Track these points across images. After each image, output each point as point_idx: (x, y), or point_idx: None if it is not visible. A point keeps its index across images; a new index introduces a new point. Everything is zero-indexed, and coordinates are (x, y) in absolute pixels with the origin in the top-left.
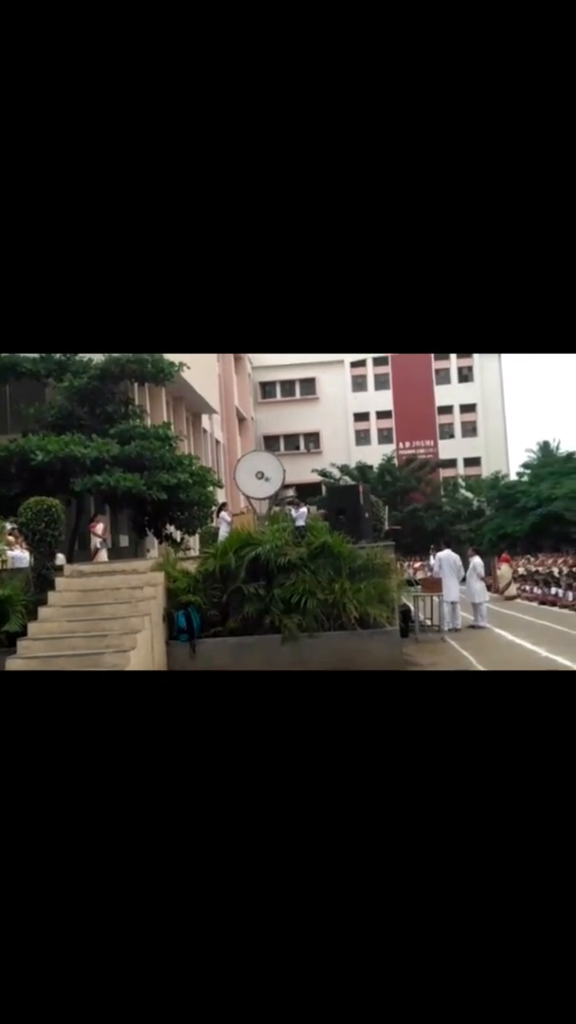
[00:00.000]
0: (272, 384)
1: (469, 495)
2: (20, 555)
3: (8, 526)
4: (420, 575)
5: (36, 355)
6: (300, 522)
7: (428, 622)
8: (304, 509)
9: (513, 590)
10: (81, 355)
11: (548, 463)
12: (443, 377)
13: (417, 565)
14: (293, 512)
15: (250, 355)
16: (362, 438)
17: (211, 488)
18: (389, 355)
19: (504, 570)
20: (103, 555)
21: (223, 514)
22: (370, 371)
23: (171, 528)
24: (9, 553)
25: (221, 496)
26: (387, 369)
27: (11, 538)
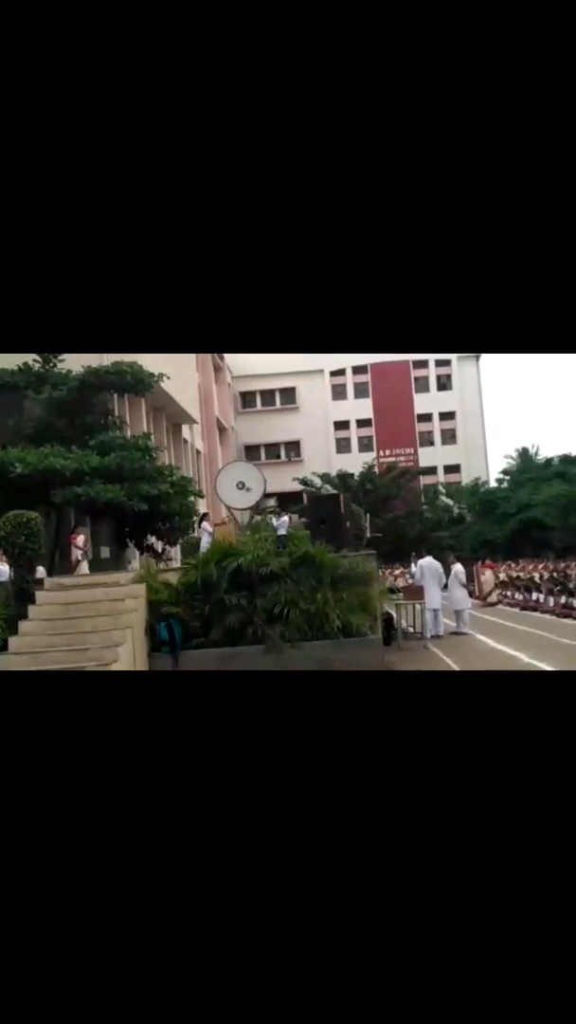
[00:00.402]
0: (252, 394)
1: (450, 502)
2: (0, 569)
3: None
4: (400, 582)
5: (14, 366)
6: (282, 531)
7: (411, 630)
8: (285, 518)
9: (494, 596)
10: (60, 367)
11: (527, 469)
12: (422, 385)
13: (397, 573)
14: (275, 521)
15: (230, 365)
16: (343, 446)
17: (192, 498)
18: (368, 364)
19: (488, 576)
20: (84, 567)
21: (205, 524)
22: (350, 380)
23: (152, 539)
24: None
25: (202, 506)
26: (366, 378)
27: None
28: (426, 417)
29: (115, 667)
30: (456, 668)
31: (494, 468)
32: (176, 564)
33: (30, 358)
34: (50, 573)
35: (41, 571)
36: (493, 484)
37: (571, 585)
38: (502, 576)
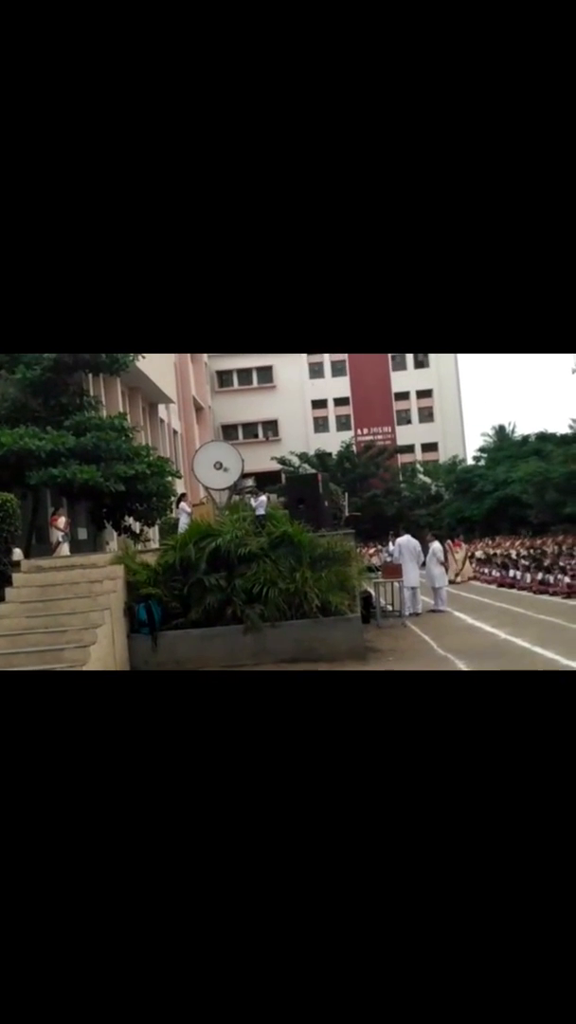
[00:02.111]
0: (229, 373)
1: (427, 480)
2: None
3: None
4: (376, 561)
5: None
6: (260, 511)
7: (389, 608)
8: (263, 498)
9: (469, 571)
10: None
11: (504, 447)
12: (399, 363)
13: (371, 552)
14: (253, 501)
15: None
16: (320, 425)
17: (169, 479)
18: None
19: (460, 555)
20: (64, 549)
21: (183, 505)
22: (327, 358)
23: (130, 520)
24: None
25: (180, 487)
26: (343, 357)
27: None
28: (403, 395)
29: (93, 648)
30: (434, 645)
31: (471, 446)
32: (154, 545)
33: None
34: (27, 555)
35: (18, 553)
36: (470, 462)
37: (547, 562)
38: (479, 553)
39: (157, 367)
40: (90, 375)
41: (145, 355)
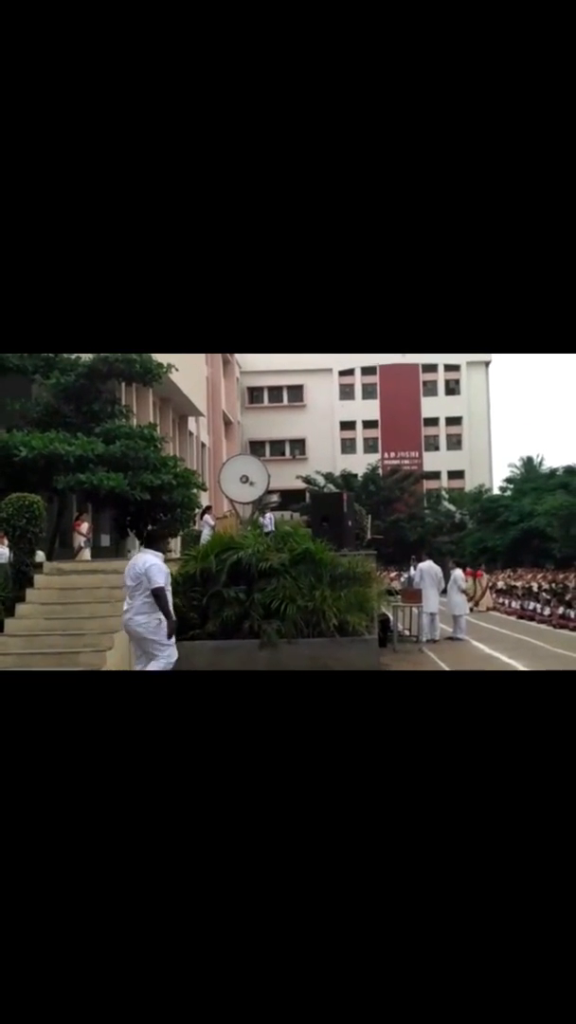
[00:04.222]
0: (260, 389)
1: (452, 507)
2: (0, 551)
3: None
4: (396, 584)
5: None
6: (269, 527)
7: (407, 632)
8: (270, 515)
9: (489, 601)
10: (69, 352)
11: (531, 479)
12: (430, 389)
13: (392, 575)
14: (261, 518)
15: (239, 360)
16: (348, 447)
17: (195, 490)
18: (378, 365)
19: (470, 584)
20: (86, 554)
21: (206, 517)
22: (358, 380)
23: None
24: None
25: (205, 499)
26: (375, 379)
27: None
28: (432, 421)
29: (109, 654)
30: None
31: (498, 476)
32: (175, 555)
33: None
34: (49, 558)
35: (41, 555)
36: (496, 492)
37: (568, 596)
38: (500, 584)
39: (190, 380)
40: (123, 384)
41: (178, 368)
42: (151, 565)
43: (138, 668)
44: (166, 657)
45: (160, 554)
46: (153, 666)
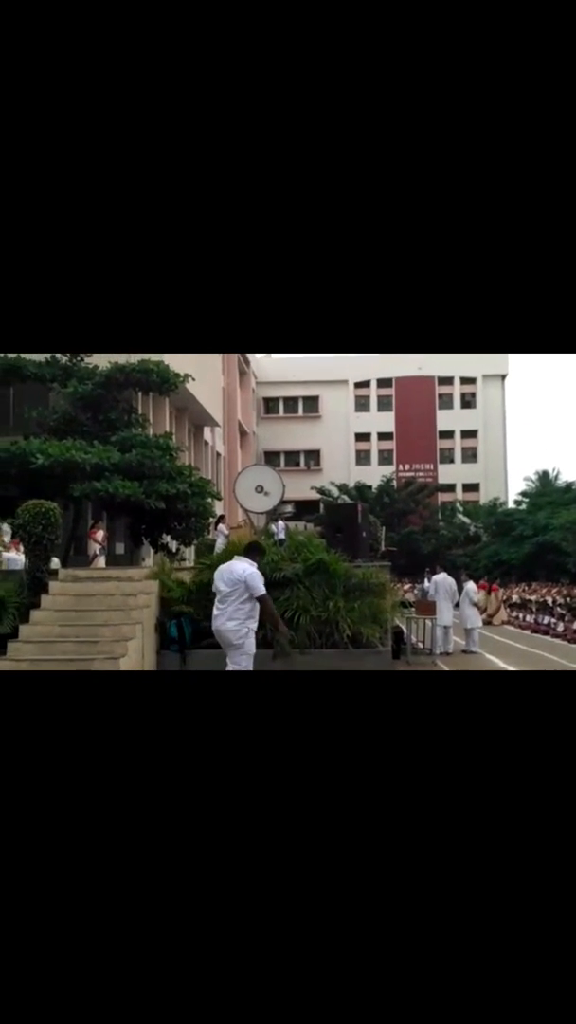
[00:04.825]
0: (275, 400)
1: (466, 520)
2: (15, 557)
3: (6, 527)
4: (410, 596)
5: (42, 358)
6: (280, 535)
7: (420, 644)
8: (282, 523)
9: (504, 615)
10: (87, 361)
11: (546, 492)
12: (446, 402)
13: (406, 587)
14: (273, 527)
15: (255, 370)
16: (362, 458)
17: (210, 500)
18: (393, 378)
19: (482, 596)
20: (101, 562)
21: (221, 527)
22: (373, 392)
23: (167, 538)
24: (4, 555)
25: (219, 508)
26: (390, 391)
27: (5, 539)
28: (448, 434)
29: (123, 662)
30: None
31: (513, 489)
32: (189, 564)
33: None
34: (64, 565)
35: (55, 562)
36: (511, 505)
37: None
38: (514, 598)
39: (206, 390)
40: (140, 393)
41: (195, 378)
42: (251, 573)
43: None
44: (242, 665)
45: (255, 563)
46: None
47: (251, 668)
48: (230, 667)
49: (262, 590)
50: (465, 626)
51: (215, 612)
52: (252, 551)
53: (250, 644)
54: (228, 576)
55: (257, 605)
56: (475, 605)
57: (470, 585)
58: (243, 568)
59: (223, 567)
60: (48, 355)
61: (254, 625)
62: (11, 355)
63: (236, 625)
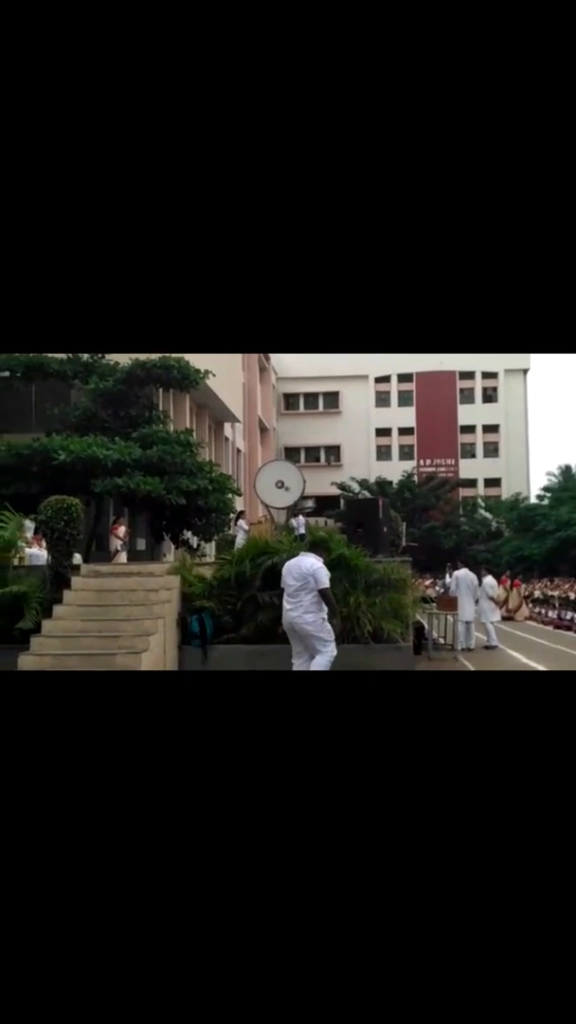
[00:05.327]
0: (296, 396)
1: (488, 516)
2: (38, 553)
3: (28, 523)
4: (431, 592)
5: (63, 356)
6: (301, 530)
7: (442, 640)
8: (302, 518)
9: (526, 611)
10: (108, 358)
11: (569, 487)
12: (467, 396)
13: (428, 583)
14: (293, 521)
15: (275, 366)
16: (383, 453)
17: (230, 495)
18: (414, 372)
19: (501, 591)
20: (122, 557)
21: (241, 522)
22: (394, 387)
23: (188, 534)
24: (27, 551)
25: (240, 504)
26: (411, 386)
27: (28, 535)
28: (469, 429)
29: (145, 656)
30: None
31: (535, 484)
32: (209, 560)
33: None
34: (85, 560)
35: (77, 557)
36: (534, 500)
37: None
38: (536, 594)
39: (226, 386)
40: (161, 390)
41: (215, 374)
42: (318, 568)
43: (298, 665)
44: (329, 652)
45: (320, 558)
46: (318, 662)
47: (333, 658)
48: (313, 665)
49: (326, 584)
50: (480, 619)
51: (286, 606)
52: (316, 546)
53: (328, 630)
54: (297, 571)
55: None
56: (491, 599)
57: (488, 579)
58: (311, 563)
59: (291, 562)
60: (69, 352)
61: (325, 615)
62: (31, 353)
63: (313, 618)
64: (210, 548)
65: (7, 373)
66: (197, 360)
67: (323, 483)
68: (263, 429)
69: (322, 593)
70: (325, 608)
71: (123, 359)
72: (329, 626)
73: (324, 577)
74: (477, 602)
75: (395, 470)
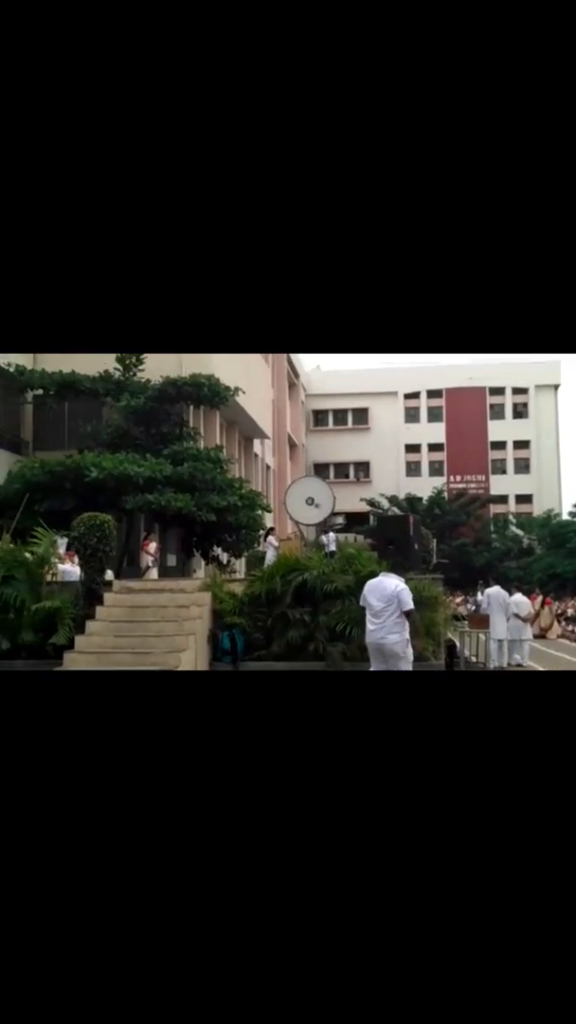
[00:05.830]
0: (325, 412)
1: (519, 533)
2: (71, 569)
3: (60, 540)
4: (463, 610)
5: (95, 374)
6: (331, 547)
7: (474, 659)
8: (332, 535)
9: (558, 629)
10: (139, 376)
11: None
12: (497, 412)
13: (459, 600)
14: (323, 538)
15: (304, 383)
16: (413, 470)
17: (260, 512)
18: (443, 388)
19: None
20: (153, 573)
21: (270, 539)
22: (423, 403)
23: (218, 550)
24: (60, 567)
25: (269, 520)
26: (440, 402)
27: (60, 551)
28: (500, 445)
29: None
30: None
31: (568, 500)
32: (239, 577)
33: (111, 366)
34: (117, 576)
35: (109, 574)
36: (566, 517)
37: None
38: (569, 611)
39: (255, 403)
40: (191, 406)
41: (245, 391)
42: (403, 589)
43: None
44: (407, 670)
45: (402, 578)
46: None
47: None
48: None
49: (411, 605)
50: (510, 637)
51: (370, 627)
52: (396, 567)
53: (410, 652)
54: (380, 592)
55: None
56: (516, 616)
57: (517, 596)
58: (394, 584)
59: (373, 583)
60: (101, 370)
61: (408, 635)
62: (66, 371)
63: (397, 638)
64: (240, 564)
65: (40, 391)
66: (227, 377)
67: (352, 499)
68: (292, 445)
69: (407, 615)
70: (407, 628)
71: (154, 376)
72: (411, 647)
73: (409, 598)
74: (509, 619)
75: (425, 486)
